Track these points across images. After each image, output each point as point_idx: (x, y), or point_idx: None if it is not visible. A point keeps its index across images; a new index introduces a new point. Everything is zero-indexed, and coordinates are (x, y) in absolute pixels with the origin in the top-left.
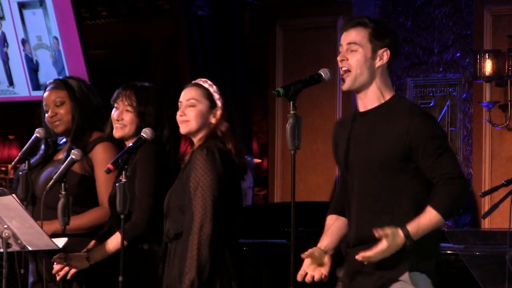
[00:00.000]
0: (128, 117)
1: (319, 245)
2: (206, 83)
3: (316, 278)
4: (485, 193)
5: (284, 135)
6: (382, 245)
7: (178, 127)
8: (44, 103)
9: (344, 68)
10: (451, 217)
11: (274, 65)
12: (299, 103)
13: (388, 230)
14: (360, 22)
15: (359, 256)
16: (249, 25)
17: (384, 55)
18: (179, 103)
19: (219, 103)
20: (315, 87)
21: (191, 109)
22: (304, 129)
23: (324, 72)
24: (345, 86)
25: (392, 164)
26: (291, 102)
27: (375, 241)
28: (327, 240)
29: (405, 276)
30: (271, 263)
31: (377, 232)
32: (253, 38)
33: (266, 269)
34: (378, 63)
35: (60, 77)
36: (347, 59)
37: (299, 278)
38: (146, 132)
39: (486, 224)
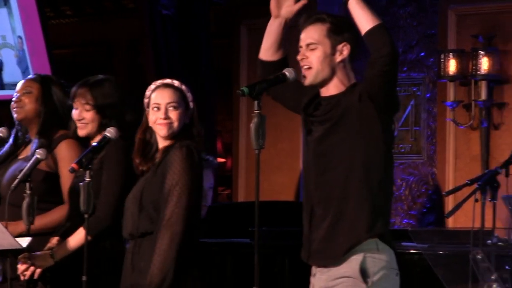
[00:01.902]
0: (88, 115)
1: None
2: (178, 84)
3: None
4: (449, 193)
5: (249, 135)
6: None
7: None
8: (16, 90)
9: (305, 66)
10: (387, 38)
11: (238, 64)
12: (263, 103)
13: None
14: (318, 18)
15: None
16: (214, 24)
17: (344, 50)
18: (155, 105)
19: (191, 104)
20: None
21: (174, 112)
22: (268, 128)
23: (288, 72)
24: (307, 82)
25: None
26: (255, 102)
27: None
28: None
29: (356, 272)
30: (235, 263)
31: None
32: (218, 38)
33: (231, 268)
34: (338, 58)
35: (43, 74)
36: (307, 57)
37: None
38: (110, 132)
39: (450, 223)
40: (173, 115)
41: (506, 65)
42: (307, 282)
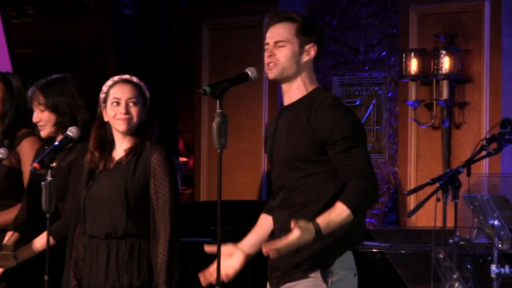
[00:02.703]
0: (44, 116)
1: (240, 243)
2: (137, 80)
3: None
4: (411, 192)
5: (211, 134)
6: (292, 236)
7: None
8: None
9: (271, 63)
10: (360, 213)
11: (200, 64)
12: (225, 102)
13: (302, 222)
14: (288, 17)
15: (266, 248)
16: (176, 24)
17: (311, 51)
18: (115, 100)
19: (149, 101)
20: (242, 86)
21: (134, 108)
22: (230, 127)
23: (251, 71)
24: (271, 75)
25: (309, 157)
26: (217, 101)
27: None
28: (248, 239)
29: (317, 273)
30: (197, 262)
31: (293, 223)
32: (180, 37)
33: (192, 268)
34: (305, 58)
35: (3, 71)
36: (275, 55)
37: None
38: (72, 131)
39: (411, 222)
40: (133, 110)
41: (467, 64)
42: None
